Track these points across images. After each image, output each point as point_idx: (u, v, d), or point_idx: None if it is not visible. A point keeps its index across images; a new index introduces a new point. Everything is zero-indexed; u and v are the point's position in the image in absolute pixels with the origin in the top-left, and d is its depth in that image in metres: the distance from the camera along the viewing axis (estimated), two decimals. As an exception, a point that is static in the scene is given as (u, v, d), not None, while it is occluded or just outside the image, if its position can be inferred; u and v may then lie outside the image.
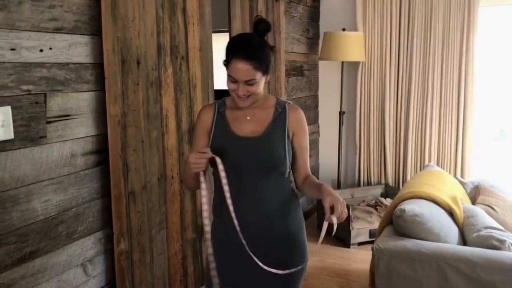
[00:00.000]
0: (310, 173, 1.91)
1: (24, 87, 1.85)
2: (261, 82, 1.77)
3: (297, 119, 1.86)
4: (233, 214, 1.72)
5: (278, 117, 1.85)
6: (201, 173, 1.72)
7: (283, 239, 1.85)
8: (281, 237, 1.85)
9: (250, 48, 1.72)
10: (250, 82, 1.72)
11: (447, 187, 2.96)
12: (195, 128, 1.92)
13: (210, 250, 1.76)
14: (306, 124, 1.90)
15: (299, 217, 1.92)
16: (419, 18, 4.34)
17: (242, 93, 1.74)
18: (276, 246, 1.84)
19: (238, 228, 1.73)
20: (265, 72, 1.76)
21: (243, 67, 1.69)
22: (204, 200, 1.72)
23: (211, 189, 1.96)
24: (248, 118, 1.84)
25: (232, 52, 1.72)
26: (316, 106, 4.97)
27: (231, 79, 1.74)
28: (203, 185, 1.73)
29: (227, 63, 1.74)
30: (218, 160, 1.72)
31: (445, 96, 4.36)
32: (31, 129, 1.89)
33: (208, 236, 1.74)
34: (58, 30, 1.98)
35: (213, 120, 1.86)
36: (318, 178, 5.08)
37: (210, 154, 1.70)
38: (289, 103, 1.91)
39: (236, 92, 1.75)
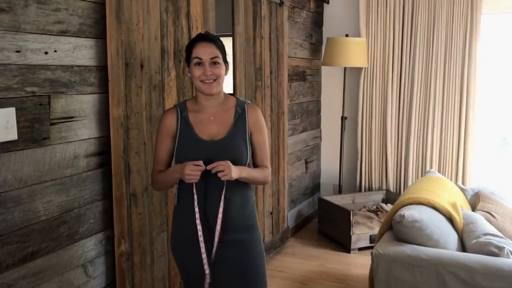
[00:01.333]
0: (267, 166, 2.09)
1: (29, 89, 1.87)
2: (223, 69, 1.95)
3: (254, 120, 2.03)
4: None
5: (238, 118, 2.01)
6: (193, 184, 1.90)
7: (244, 230, 2.02)
8: (241, 227, 2.01)
9: (210, 35, 2.00)
10: (214, 60, 1.92)
11: (447, 194, 2.97)
12: (158, 133, 2.04)
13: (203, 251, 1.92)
14: (263, 122, 2.08)
15: (254, 210, 2.08)
16: (422, 25, 4.35)
17: (209, 72, 1.90)
18: (237, 235, 1.99)
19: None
20: (224, 60, 1.97)
21: (207, 46, 1.92)
22: (197, 209, 1.91)
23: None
24: (212, 118, 1.99)
25: (195, 40, 1.96)
26: (318, 111, 4.98)
27: (197, 61, 1.92)
28: (195, 196, 1.91)
29: (190, 50, 1.94)
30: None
31: (447, 102, 4.37)
32: (34, 131, 1.91)
33: (201, 238, 1.92)
34: (63, 33, 2.00)
35: (177, 125, 1.99)
36: (320, 183, 5.10)
37: (203, 167, 1.86)
38: (248, 103, 2.05)
39: (202, 76, 1.91)
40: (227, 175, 1.85)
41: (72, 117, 2.08)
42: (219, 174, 1.85)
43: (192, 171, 1.84)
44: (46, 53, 1.93)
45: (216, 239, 1.91)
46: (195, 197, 1.91)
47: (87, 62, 2.14)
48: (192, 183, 1.89)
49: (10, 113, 1.80)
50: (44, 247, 1.98)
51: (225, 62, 1.98)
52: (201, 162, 1.86)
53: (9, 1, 1.77)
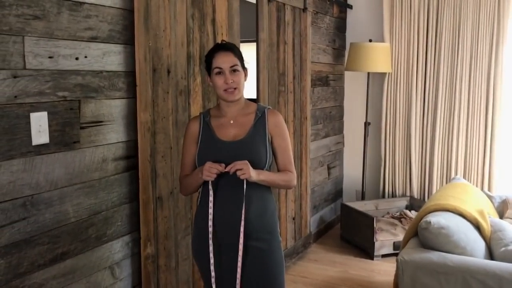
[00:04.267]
0: (291, 170, 2.09)
1: (60, 94, 1.92)
2: (242, 76, 2.01)
3: (275, 123, 2.06)
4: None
5: (258, 121, 2.05)
6: (210, 182, 1.95)
7: (262, 236, 2.02)
8: (260, 233, 2.01)
9: (227, 44, 2.06)
10: (234, 68, 1.98)
11: (473, 200, 2.93)
12: (184, 139, 2.12)
13: (211, 248, 1.98)
14: (284, 127, 2.10)
15: (274, 216, 2.09)
16: (447, 30, 4.31)
17: (230, 80, 1.97)
18: (256, 242, 2.00)
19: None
20: (243, 66, 2.03)
21: (225, 55, 1.99)
22: (211, 205, 1.97)
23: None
24: (232, 122, 2.05)
25: (214, 50, 2.02)
26: (341, 117, 4.97)
27: (218, 70, 1.98)
28: (211, 192, 1.97)
29: (210, 60, 2.00)
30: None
31: (473, 108, 4.31)
32: (65, 134, 1.96)
33: (211, 241, 1.97)
34: (93, 39, 2.05)
35: (199, 129, 2.06)
36: (342, 189, 5.07)
37: (223, 168, 1.91)
38: (269, 108, 2.09)
39: (224, 84, 1.97)
40: (245, 174, 1.88)
41: (101, 121, 2.12)
42: (238, 173, 1.88)
43: (210, 167, 1.90)
44: (77, 58, 1.98)
45: (241, 240, 1.92)
46: (211, 198, 1.95)
47: (116, 68, 2.18)
48: (210, 183, 1.94)
49: (42, 117, 1.85)
50: (73, 249, 2.02)
51: (244, 68, 2.04)
52: (223, 165, 1.92)
53: (43, 9, 1.82)
